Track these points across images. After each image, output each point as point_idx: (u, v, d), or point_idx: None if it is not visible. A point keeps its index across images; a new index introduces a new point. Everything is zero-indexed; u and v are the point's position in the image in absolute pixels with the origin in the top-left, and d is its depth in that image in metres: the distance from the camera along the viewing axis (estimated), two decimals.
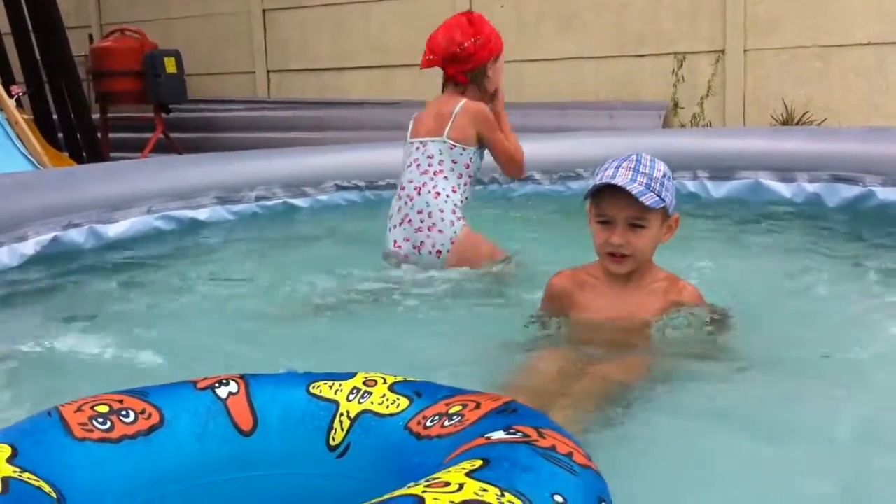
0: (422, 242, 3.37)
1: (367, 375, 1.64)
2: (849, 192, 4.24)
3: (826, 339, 2.55)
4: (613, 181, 2.34)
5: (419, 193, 3.42)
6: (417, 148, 3.53)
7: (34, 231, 3.74)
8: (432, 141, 3.49)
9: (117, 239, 4.09)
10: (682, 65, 8.25)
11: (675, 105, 8.34)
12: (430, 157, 3.47)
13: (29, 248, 3.70)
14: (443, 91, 3.71)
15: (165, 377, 1.70)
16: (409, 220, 3.42)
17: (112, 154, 9.13)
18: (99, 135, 8.93)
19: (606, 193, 2.37)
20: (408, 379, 1.63)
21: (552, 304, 2.60)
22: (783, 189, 4.48)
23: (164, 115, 9.39)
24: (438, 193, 3.41)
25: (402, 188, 3.51)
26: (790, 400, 2.18)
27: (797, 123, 7.68)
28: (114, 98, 9.58)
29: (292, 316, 3.00)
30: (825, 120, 7.68)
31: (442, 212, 3.38)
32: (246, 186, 4.71)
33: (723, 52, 8.12)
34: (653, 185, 2.35)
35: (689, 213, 4.50)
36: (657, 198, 2.34)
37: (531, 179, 5.05)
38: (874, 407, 2.12)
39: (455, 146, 3.47)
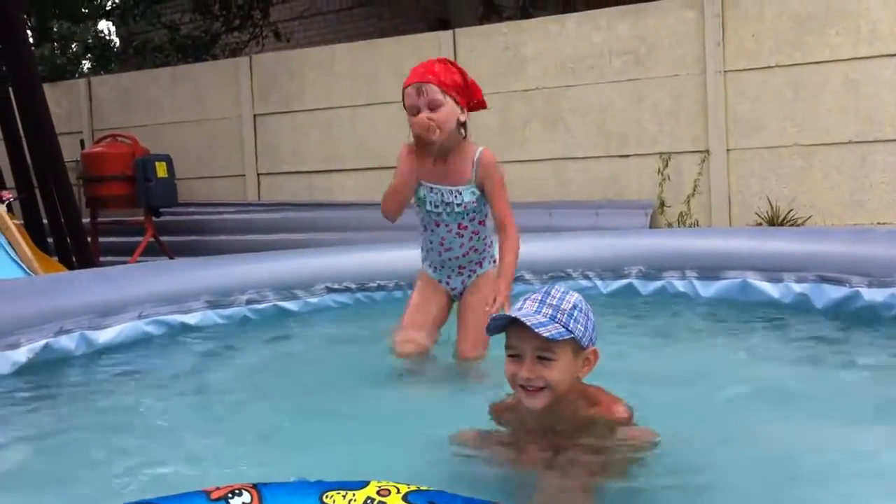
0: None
1: (380, 484, 1.61)
2: (836, 292, 4.26)
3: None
4: (516, 314, 2.31)
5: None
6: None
7: (26, 338, 3.72)
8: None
9: (108, 345, 4.06)
10: (667, 164, 8.39)
11: (662, 204, 8.45)
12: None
13: (21, 355, 3.67)
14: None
15: (173, 487, 1.67)
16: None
17: (102, 258, 9.14)
18: (89, 239, 8.95)
19: (513, 327, 2.33)
20: (421, 488, 1.61)
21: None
22: (771, 289, 4.50)
23: (154, 218, 9.44)
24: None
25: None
26: None
27: (782, 221, 7.77)
28: (104, 202, 9.65)
29: (294, 421, 2.95)
30: (810, 218, 7.79)
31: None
32: (237, 290, 4.71)
33: (707, 151, 8.27)
34: (559, 316, 2.30)
35: (676, 314, 4.58)
36: (562, 329, 2.29)
37: (520, 279, 5.06)
38: None
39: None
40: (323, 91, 10.25)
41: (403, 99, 3.38)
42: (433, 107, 3.31)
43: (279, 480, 1.65)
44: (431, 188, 3.47)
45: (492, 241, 3.65)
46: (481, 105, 3.54)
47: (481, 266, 3.62)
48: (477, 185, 3.43)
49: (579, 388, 2.42)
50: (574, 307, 2.35)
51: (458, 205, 3.44)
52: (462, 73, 3.40)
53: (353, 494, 1.59)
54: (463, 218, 3.47)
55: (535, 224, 7.85)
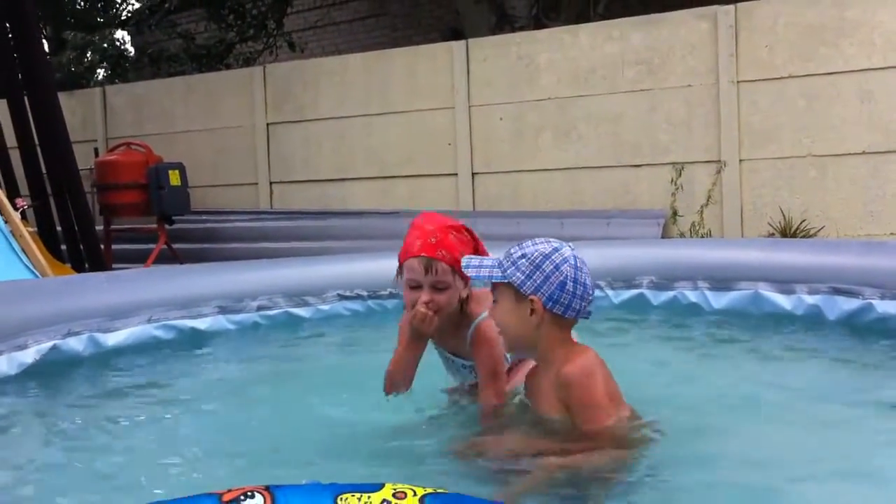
0: None
1: (395, 487, 1.59)
2: (848, 304, 4.23)
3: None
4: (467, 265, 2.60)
5: None
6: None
7: (34, 340, 3.73)
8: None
9: (116, 348, 4.06)
10: (680, 174, 8.37)
11: (675, 214, 8.42)
12: None
13: (29, 356, 3.68)
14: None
15: (181, 491, 1.66)
16: None
17: (115, 265, 9.17)
18: (102, 246, 8.99)
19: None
20: (438, 491, 1.59)
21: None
22: (783, 301, 4.47)
23: (167, 226, 9.48)
24: None
25: None
26: None
27: (795, 232, 7.74)
28: (118, 210, 9.68)
29: (302, 426, 2.93)
30: (823, 228, 7.75)
31: None
32: (248, 296, 4.71)
33: (720, 161, 8.25)
34: (504, 262, 2.53)
35: (683, 325, 4.55)
36: (499, 274, 2.52)
37: None
38: None
39: None
40: (336, 100, 10.27)
41: (401, 265, 2.84)
42: (439, 287, 2.78)
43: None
44: (437, 349, 3.03)
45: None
46: None
47: None
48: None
49: (552, 344, 2.54)
50: (522, 256, 2.51)
51: (462, 366, 2.98)
52: (476, 241, 2.87)
53: (369, 497, 1.57)
54: (468, 375, 2.99)
55: (547, 233, 7.82)
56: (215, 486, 1.66)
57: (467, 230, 2.87)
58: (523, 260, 2.50)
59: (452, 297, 2.80)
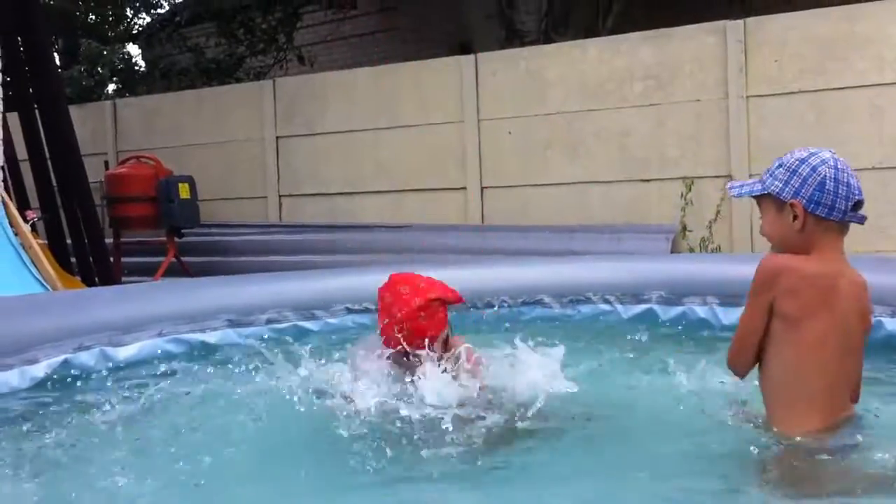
0: None
1: None
2: None
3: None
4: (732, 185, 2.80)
5: None
6: None
7: (44, 354, 3.74)
8: None
9: (127, 362, 4.07)
10: (690, 189, 8.36)
11: (684, 228, 8.41)
12: None
13: (40, 370, 3.68)
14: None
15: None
16: None
17: (125, 278, 9.20)
18: (111, 259, 9.01)
19: None
20: None
21: None
22: None
23: (176, 239, 9.50)
24: None
25: None
26: None
27: None
28: (128, 223, 9.72)
29: (316, 451, 2.91)
30: None
31: None
32: (257, 310, 4.72)
33: (729, 176, 8.24)
34: (764, 176, 2.64)
35: (690, 338, 4.53)
36: (756, 187, 2.66)
37: (540, 303, 5.04)
38: None
39: None
40: (345, 114, 10.30)
41: (423, 311, 2.93)
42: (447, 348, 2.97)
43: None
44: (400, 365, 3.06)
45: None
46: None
47: None
48: None
49: None
50: (780, 165, 2.62)
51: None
52: (444, 307, 3.04)
53: None
54: None
55: (556, 248, 7.84)
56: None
57: (437, 300, 2.98)
58: (780, 169, 2.60)
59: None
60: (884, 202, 7.66)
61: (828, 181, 2.50)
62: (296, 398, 3.04)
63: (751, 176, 8.18)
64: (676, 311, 4.83)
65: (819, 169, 2.52)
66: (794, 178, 2.54)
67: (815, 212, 2.51)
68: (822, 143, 7.97)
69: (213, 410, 3.29)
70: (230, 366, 3.69)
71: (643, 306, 4.91)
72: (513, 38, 11.30)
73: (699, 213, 8.40)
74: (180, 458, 2.72)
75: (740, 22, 8.29)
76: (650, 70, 8.66)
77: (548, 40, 10.81)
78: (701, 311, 4.77)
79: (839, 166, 2.53)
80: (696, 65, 8.45)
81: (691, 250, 8.32)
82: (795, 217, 2.54)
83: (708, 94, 8.40)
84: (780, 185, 2.57)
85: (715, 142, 8.37)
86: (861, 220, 2.56)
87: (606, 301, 4.97)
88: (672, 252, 8.09)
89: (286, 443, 2.92)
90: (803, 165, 2.54)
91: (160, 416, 3.36)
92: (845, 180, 2.51)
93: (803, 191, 2.52)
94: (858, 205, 2.54)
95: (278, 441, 2.91)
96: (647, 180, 8.69)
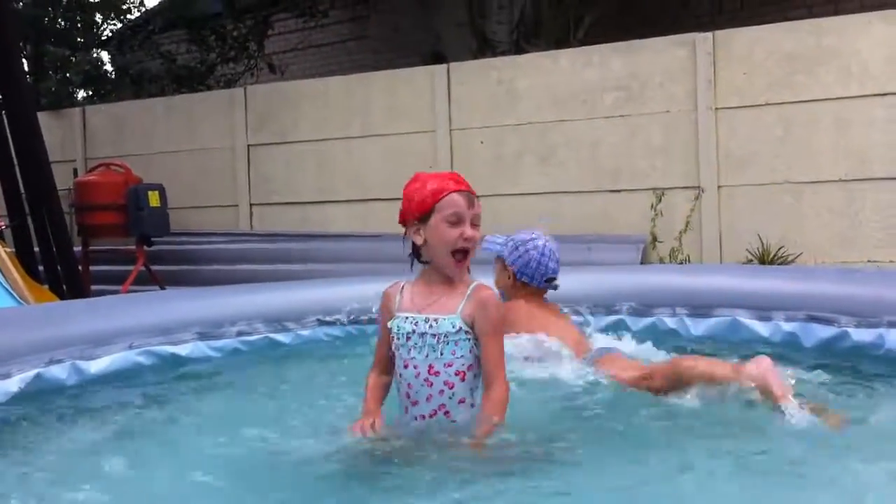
0: None
1: None
2: (824, 332, 4.27)
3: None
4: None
5: None
6: None
7: (17, 368, 3.70)
8: None
9: (99, 375, 4.03)
10: (660, 200, 8.43)
11: (654, 239, 8.48)
12: None
13: (13, 385, 3.65)
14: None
15: None
16: None
17: (93, 287, 9.12)
18: (80, 268, 8.93)
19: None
20: None
21: None
22: (760, 328, 4.50)
23: (146, 247, 9.43)
24: None
25: None
26: None
27: (773, 258, 7.81)
28: (96, 231, 9.63)
29: (287, 468, 2.90)
30: (800, 255, 7.82)
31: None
32: (227, 321, 4.69)
33: (698, 187, 8.32)
34: (508, 241, 4.08)
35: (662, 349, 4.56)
36: (499, 247, 4.10)
37: None
38: None
39: None
40: (317, 123, 10.29)
41: (440, 201, 2.86)
42: (475, 223, 2.90)
43: None
44: (406, 317, 2.88)
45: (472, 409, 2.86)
46: None
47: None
48: (462, 319, 2.80)
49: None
50: (513, 239, 4.06)
51: (432, 335, 2.80)
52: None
53: None
54: (436, 359, 2.80)
55: None
56: None
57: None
58: (512, 242, 4.06)
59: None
60: (851, 215, 7.78)
61: (532, 261, 3.96)
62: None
63: (720, 188, 8.27)
64: (646, 321, 4.86)
65: (531, 252, 3.97)
66: (516, 252, 4.01)
67: (521, 279, 4.00)
68: (790, 154, 8.11)
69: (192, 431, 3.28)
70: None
71: (614, 317, 4.94)
72: (485, 48, 11.35)
73: (669, 224, 8.47)
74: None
75: (709, 35, 8.38)
76: (621, 81, 8.73)
77: (519, 51, 10.86)
78: (670, 322, 4.81)
79: (545, 252, 3.95)
80: (666, 77, 8.53)
81: (661, 261, 8.39)
82: (510, 277, 4.01)
83: (678, 106, 8.48)
84: (506, 254, 4.04)
85: (685, 153, 8.45)
86: (553, 289, 4.02)
87: (577, 312, 4.99)
88: (642, 262, 8.15)
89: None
90: (524, 246, 3.99)
91: (137, 440, 3.34)
92: (545, 262, 3.95)
93: (519, 262, 3.99)
94: (551, 280, 3.99)
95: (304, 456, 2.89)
96: (618, 191, 8.75)
